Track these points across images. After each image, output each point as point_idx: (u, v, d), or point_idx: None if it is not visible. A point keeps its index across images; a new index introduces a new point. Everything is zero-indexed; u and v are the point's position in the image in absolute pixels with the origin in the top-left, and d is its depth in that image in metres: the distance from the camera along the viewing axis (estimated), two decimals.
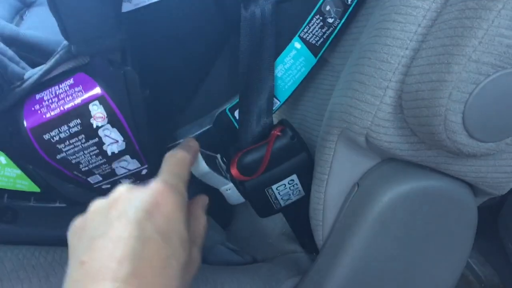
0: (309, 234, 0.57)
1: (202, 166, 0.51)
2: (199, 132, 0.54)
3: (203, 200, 0.44)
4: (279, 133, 0.51)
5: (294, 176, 0.53)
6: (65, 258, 0.49)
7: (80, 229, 0.35)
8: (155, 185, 0.36)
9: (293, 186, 0.54)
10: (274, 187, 0.53)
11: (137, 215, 0.33)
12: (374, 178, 0.49)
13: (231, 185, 0.54)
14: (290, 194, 0.55)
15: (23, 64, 0.47)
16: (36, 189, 0.52)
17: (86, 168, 0.46)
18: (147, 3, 0.43)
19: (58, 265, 0.49)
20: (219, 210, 0.68)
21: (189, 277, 0.36)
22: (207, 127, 0.54)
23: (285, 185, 0.54)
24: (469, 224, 0.51)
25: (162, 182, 0.36)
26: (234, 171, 0.51)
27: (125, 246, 0.31)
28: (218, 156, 0.55)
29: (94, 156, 0.45)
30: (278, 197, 0.55)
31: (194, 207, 0.42)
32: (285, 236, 0.68)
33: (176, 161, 0.41)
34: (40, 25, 0.65)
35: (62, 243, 0.53)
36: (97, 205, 0.36)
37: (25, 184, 0.51)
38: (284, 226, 0.69)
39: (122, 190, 0.36)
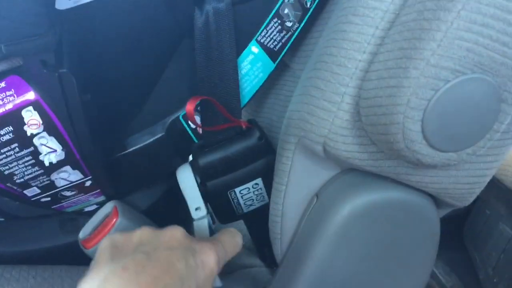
0: (269, 246, 0.55)
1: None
2: (150, 140, 0.51)
3: None
4: (244, 125, 0.48)
5: (259, 180, 0.51)
6: None
7: (117, 249, 0.37)
8: (208, 245, 0.40)
9: (257, 190, 0.52)
10: (237, 190, 0.51)
11: (187, 261, 0.36)
12: (333, 189, 0.46)
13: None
14: (253, 199, 0.53)
15: None
16: None
17: (22, 180, 0.42)
18: (89, 0, 0.40)
19: None
20: (174, 222, 0.65)
21: None
22: (160, 135, 0.51)
23: (249, 188, 0.51)
24: (432, 236, 0.49)
25: (214, 246, 0.40)
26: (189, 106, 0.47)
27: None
28: None
29: (30, 167, 0.42)
30: (241, 201, 0.52)
31: None
32: (244, 249, 0.65)
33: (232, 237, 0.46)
34: None
35: None
36: (147, 233, 0.39)
37: None
38: (244, 239, 0.67)
39: (177, 234, 0.39)
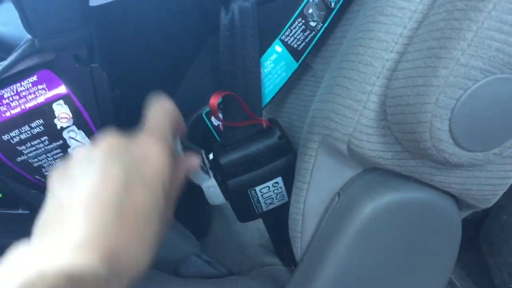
0: (288, 245, 0.55)
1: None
2: None
3: (193, 161, 0.44)
4: (265, 124, 0.49)
5: (279, 179, 0.51)
6: None
7: (63, 174, 0.33)
8: (145, 138, 0.36)
9: (277, 189, 0.52)
10: (257, 188, 0.51)
11: (126, 164, 0.32)
12: (355, 188, 0.47)
13: (214, 182, 0.51)
14: (273, 198, 0.53)
15: None
16: None
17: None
18: None
19: None
20: (195, 220, 0.65)
21: (162, 232, 0.35)
22: None
23: (269, 187, 0.51)
24: (453, 237, 0.49)
25: (151, 135, 0.36)
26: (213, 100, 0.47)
27: (110, 192, 0.31)
28: (202, 151, 0.52)
29: (58, 160, 0.42)
30: (261, 200, 0.52)
31: (180, 163, 0.40)
32: (262, 248, 0.66)
33: (162, 112, 0.40)
34: (10, 21, 0.62)
35: None
36: (82, 151, 0.34)
37: None
38: (262, 238, 0.67)
39: (111, 140, 0.34)
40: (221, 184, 0.51)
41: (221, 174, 0.50)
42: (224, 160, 0.49)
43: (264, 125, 0.50)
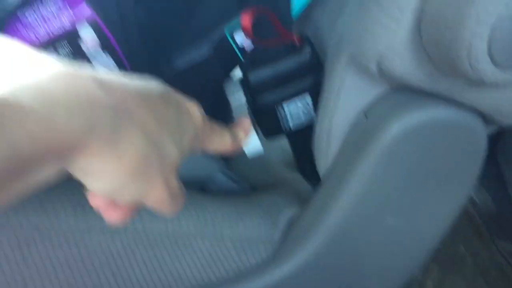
0: (312, 163, 0.56)
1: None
2: (199, 61, 0.51)
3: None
4: (297, 40, 0.48)
5: (307, 95, 0.51)
6: None
7: None
8: None
9: (305, 106, 0.52)
10: (285, 104, 0.51)
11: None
12: (382, 107, 0.46)
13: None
14: (300, 116, 0.53)
15: None
16: None
17: None
18: None
19: None
20: None
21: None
22: (207, 54, 0.50)
23: (296, 103, 0.51)
24: (478, 156, 0.49)
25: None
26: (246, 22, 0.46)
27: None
28: None
29: None
30: (288, 117, 0.52)
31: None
32: (284, 164, 0.67)
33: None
34: None
35: None
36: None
37: None
38: (284, 155, 0.68)
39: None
40: (250, 100, 0.51)
41: (250, 90, 0.50)
42: (253, 76, 0.49)
43: (296, 42, 0.49)
